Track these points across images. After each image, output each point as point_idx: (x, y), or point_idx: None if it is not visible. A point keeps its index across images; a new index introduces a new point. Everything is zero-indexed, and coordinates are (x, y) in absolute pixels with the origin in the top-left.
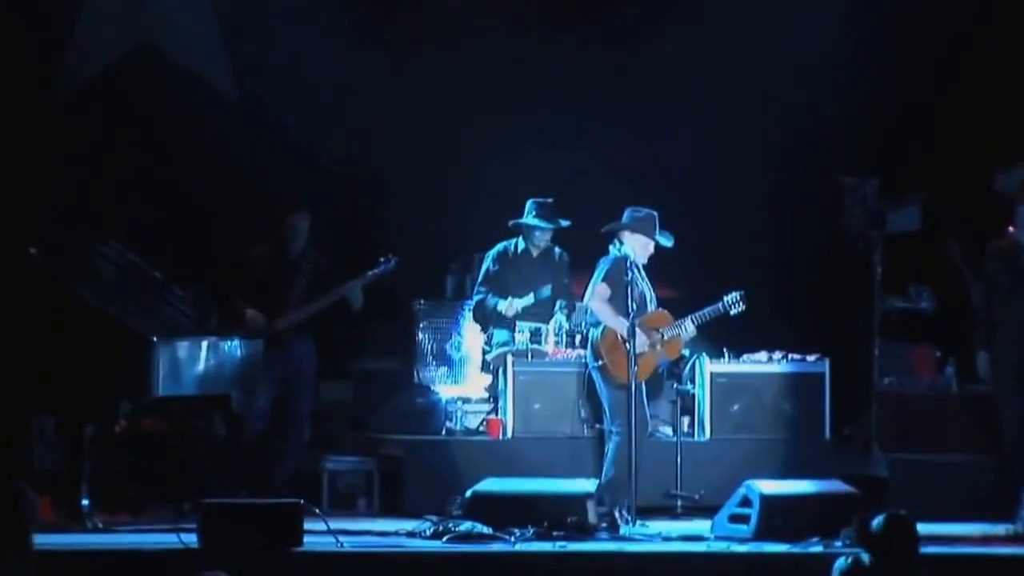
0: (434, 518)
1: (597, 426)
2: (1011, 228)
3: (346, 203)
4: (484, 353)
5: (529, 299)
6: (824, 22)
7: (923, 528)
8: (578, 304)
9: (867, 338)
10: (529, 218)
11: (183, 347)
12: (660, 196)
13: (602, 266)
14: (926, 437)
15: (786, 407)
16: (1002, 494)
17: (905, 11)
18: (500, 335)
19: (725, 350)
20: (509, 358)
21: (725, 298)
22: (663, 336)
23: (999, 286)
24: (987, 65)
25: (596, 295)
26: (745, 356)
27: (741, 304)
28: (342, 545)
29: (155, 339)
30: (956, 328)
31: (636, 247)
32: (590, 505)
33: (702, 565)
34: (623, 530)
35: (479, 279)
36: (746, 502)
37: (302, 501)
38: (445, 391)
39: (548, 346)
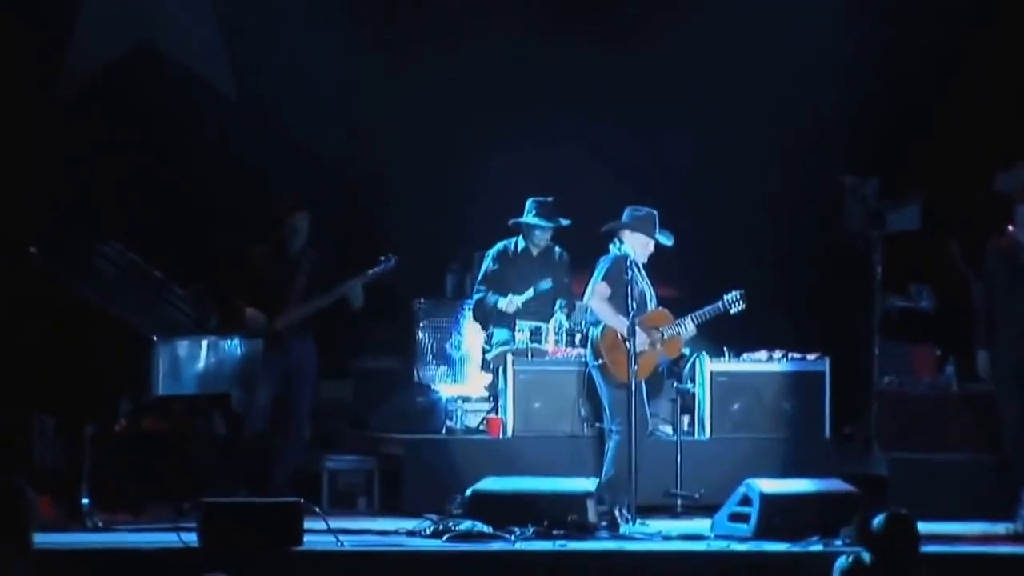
0: (434, 517)
1: (597, 425)
2: (1011, 227)
3: (346, 202)
4: (484, 352)
5: (529, 293)
6: (824, 22)
7: (923, 527)
8: (578, 303)
9: (867, 337)
10: (529, 217)
11: (183, 346)
12: (660, 195)
13: (602, 265)
14: (926, 436)
15: (786, 406)
16: (1002, 493)
17: (905, 11)
18: (500, 334)
19: (725, 349)
20: (509, 357)
21: (725, 297)
22: (663, 335)
23: (999, 285)
24: (987, 65)
25: (596, 294)
26: (745, 355)
27: (741, 303)
28: (342, 544)
29: (155, 338)
30: (956, 327)
31: (636, 246)
32: (590, 504)
33: (702, 564)
34: (623, 529)
35: (479, 278)
36: (746, 501)
37: (302, 500)
38: (445, 390)
39: (548, 345)
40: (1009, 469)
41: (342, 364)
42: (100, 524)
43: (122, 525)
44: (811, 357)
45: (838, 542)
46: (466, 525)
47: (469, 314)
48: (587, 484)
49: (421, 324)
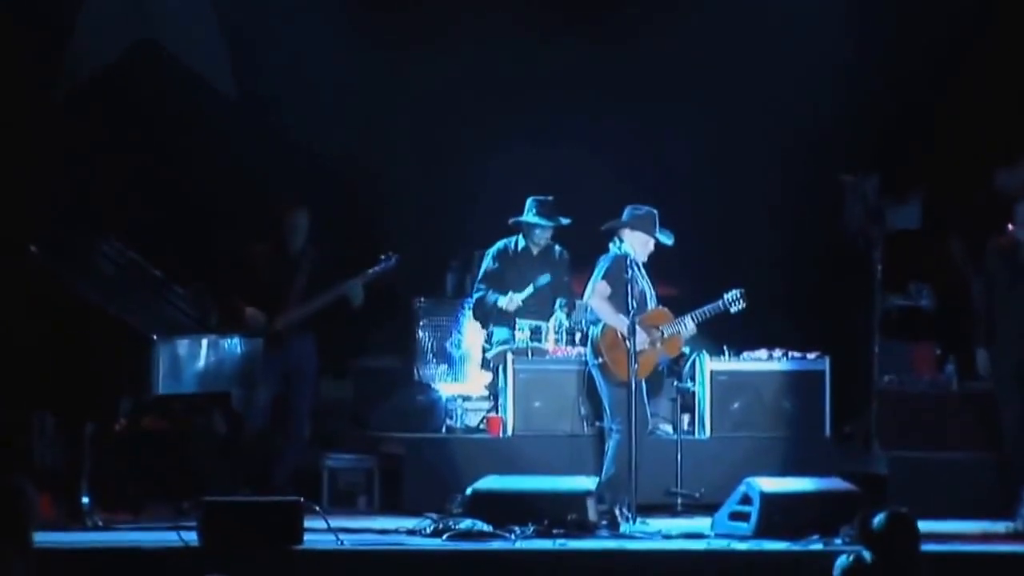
0: (434, 516)
1: (597, 424)
2: (1011, 226)
3: (346, 201)
4: (484, 351)
5: (528, 290)
6: (824, 22)
7: (923, 526)
8: (578, 302)
9: (867, 336)
10: (529, 216)
11: (183, 345)
12: (660, 194)
13: (602, 264)
14: (926, 435)
15: (786, 405)
16: (1002, 492)
17: (905, 11)
18: (500, 333)
19: (725, 348)
20: (509, 356)
21: (725, 296)
22: (663, 334)
23: (999, 284)
24: (987, 63)
25: (596, 293)
26: (745, 354)
27: (741, 302)
28: (342, 543)
29: (155, 337)
30: (956, 326)
31: (636, 245)
32: (590, 503)
33: (702, 563)
34: (623, 528)
35: (479, 276)
36: (746, 500)
37: (302, 499)
38: (445, 389)
39: (548, 344)
40: (1009, 468)
41: (342, 363)
42: (100, 523)
43: (122, 524)
44: (811, 356)
45: (838, 541)
46: (466, 524)
47: (469, 313)
48: (587, 483)
49: (421, 323)
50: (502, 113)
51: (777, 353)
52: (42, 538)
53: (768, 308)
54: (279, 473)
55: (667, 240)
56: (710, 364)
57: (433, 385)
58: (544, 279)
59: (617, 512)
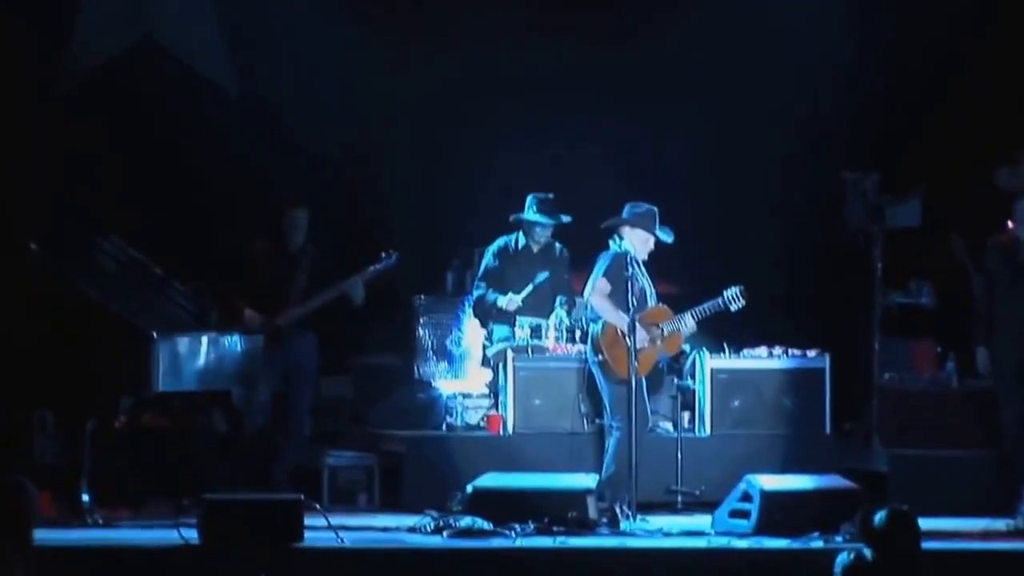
0: (435, 513)
1: (597, 421)
2: (1011, 224)
3: (347, 199)
4: (484, 349)
5: (527, 290)
6: (825, 20)
7: (923, 523)
8: (578, 300)
9: (867, 333)
10: (530, 213)
11: (183, 342)
12: (660, 192)
13: (602, 262)
14: (926, 432)
15: (786, 402)
16: (1002, 489)
17: (905, 11)
18: (500, 331)
19: (725, 345)
20: (509, 354)
21: (725, 293)
22: (663, 331)
23: (999, 282)
24: (987, 61)
25: (596, 291)
26: (745, 351)
27: (741, 299)
28: (343, 541)
29: (155, 335)
30: (956, 323)
31: (636, 242)
32: (591, 501)
33: (703, 560)
34: (624, 525)
35: (479, 274)
36: (746, 497)
37: (303, 497)
38: (445, 386)
39: (548, 342)
40: (1009, 465)
41: (343, 360)
42: (100, 521)
43: (122, 522)
44: (811, 353)
45: (839, 538)
46: (466, 522)
47: (469, 310)
48: (588, 481)
49: (421, 320)
50: (503, 110)
51: (777, 351)
52: (42, 536)
53: (768, 306)
54: (279, 471)
55: (667, 238)
56: (710, 362)
57: (433, 383)
58: (542, 276)
59: (617, 510)
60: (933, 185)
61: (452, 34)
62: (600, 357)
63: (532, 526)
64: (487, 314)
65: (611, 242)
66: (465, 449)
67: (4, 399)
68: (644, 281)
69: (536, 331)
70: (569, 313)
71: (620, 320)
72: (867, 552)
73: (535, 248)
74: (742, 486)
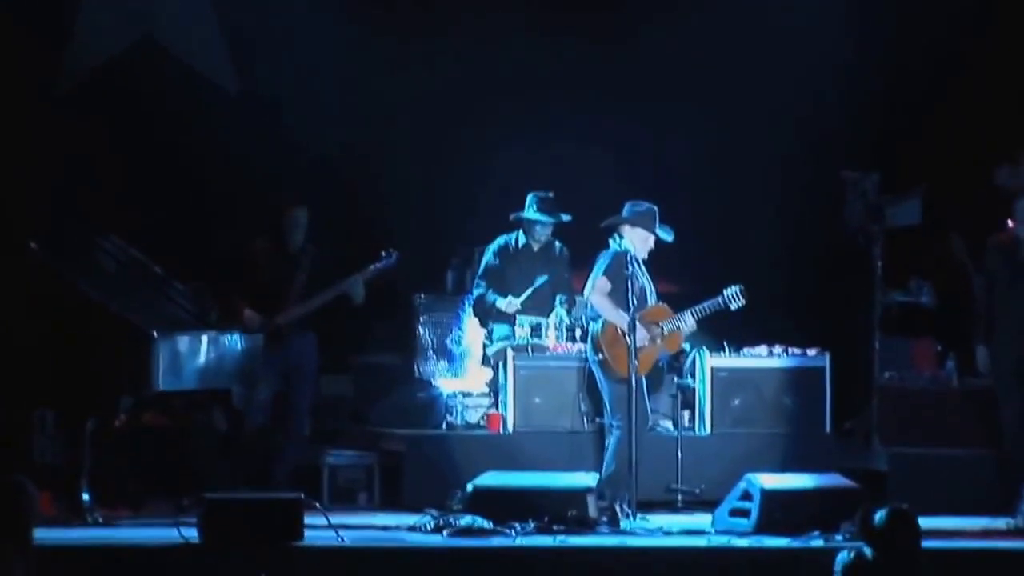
0: (435, 512)
1: (597, 420)
2: (1011, 223)
3: (347, 199)
4: (484, 347)
5: (527, 293)
6: (825, 20)
7: (923, 522)
8: (578, 298)
9: (868, 332)
10: (530, 212)
11: (183, 341)
12: (660, 191)
13: (602, 260)
14: (926, 431)
15: (787, 401)
16: (1002, 488)
17: (905, 11)
18: (500, 329)
19: (726, 344)
20: (509, 352)
21: (725, 292)
22: (663, 330)
23: (999, 281)
24: (987, 61)
25: (596, 289)
26: (745, 350)
27: (741, 298)
28: (343, 540)
29: (155, 334)
30: (957, 322)
31: (636, 241)
32: (591, 499)
33: (703, 559)
34: (624, 524)
35: (479, 273)
36: (747, 496)
37: (303, 495)
38: (445, 385)
39: (548, 340)
40: (1009, 464)
41: (343, 359)
42: (100, 520)
43: (123, 521)
44: (811, 352)
45: (839, 537)
46: (467, 521)
47: (470, 309)
48: (588, 479)
49: (421, 319)
50: (503, 108)
51: (777, 349)
52: (42, 535)
53: (768, 304)
54: (279, 470)
55: (667, 236)
56: (710, 360)
57: (433, 381)
58: (542, 279)
59: (617, 508)
60: (933, 185)
61: (452, 34)
62: (600, 356)
63: (532, 525)
64: (487, 314)
65: (611, 241)
66: (465, 448)
67: (4, 399)
68: (644, 280)
69: (536, 330)
70: (569, 312)
71: (620, 319)
72: (867, 551)
73: (535, 247)
74: (742, 485)
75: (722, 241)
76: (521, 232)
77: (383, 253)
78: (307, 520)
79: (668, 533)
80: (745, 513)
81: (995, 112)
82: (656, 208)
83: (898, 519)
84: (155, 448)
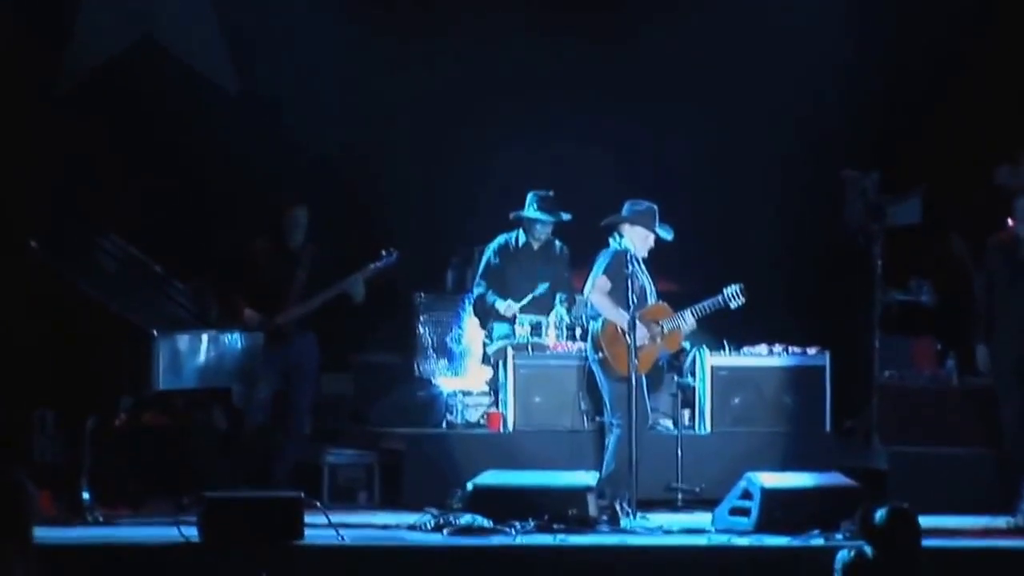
0: (435, 511)
1: (597, 419)
2: (1011, 222)
3: (347, 199)
4: (485, 346)
5: (526, 300)
6: (825, 20)
7: (923, 521)
8: (578, 297)
9: (868, 331)
10: (530, 211)
11: (183, 340)
12: (660, 191)
13: (602, 259)
14: (927, 430)
15: (787, 400)
16: (1002, 487)
17: (905, 11)
18: (500, 328)
19: (726, 343)
20: (510, 351)
21: (725, 291)
22: (663, 329)
23: (999, 281)
24: (987, 61)
25: (596, 288)
26: (746, 349)
27: (741, 297)
28: (343, 538)
29: (155, 333)
30: (957, 321)
31: (636, 240)
32: (591, 498)
33: (703, 558)
34: (624, 523)
35: (479, 272)
36: (747, 495)
37: (303, 494)
38: (445, 384)
39: (549, 339)
40: (1009, 463)
41: (343, 358)
42: (100, 518)
43: (123, 520)
44: (811, 351)
45: (839, 536)
46: (467, 519)
47: (470, 308)
48: (588, 478)
49: (421, 318)
50: (503, 107)
51: (777, 348)
52: (42, 534)
53: (768, 303)
54: (279, 469)
55: (667, 235)
56: (710, 359)
57: (434, 380)
58: (543, 288)
59: (618, 507)
60: (933, 184)
61: (452, 34)
62: (600, 354)
63: (532, 524)
64: (487, 314)
65: (611, 240)
66: (465, 447)
67: (4, 399)
68: (644, 279)
69: (536, 328)
70: (569, 310)
71: (620, 317)
72: (867, 549)
73: (535, 245)
74: (742, 484)
75: (722, 240)
76: (521, 231)
77: (383, 252)
78: (307, 519)
79: (668, 532)
80: (745, 512)
81: (995, 112)
82: (656, 207)
83: (898, 518)
84: (155, 447)
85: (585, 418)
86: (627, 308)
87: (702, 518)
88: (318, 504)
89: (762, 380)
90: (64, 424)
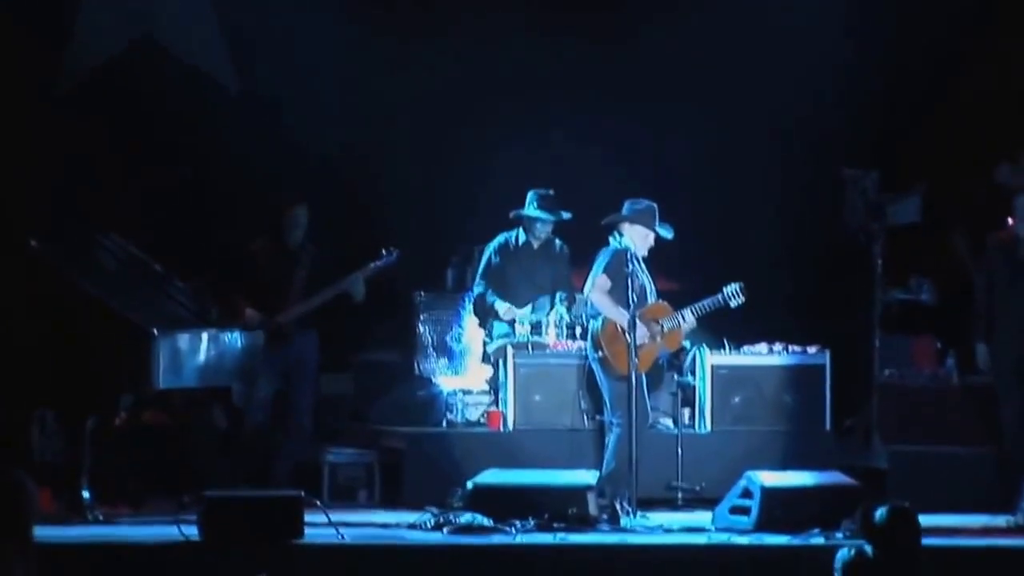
0: (435, 510)
1: (598, 418)
2: (1011, 221)
3: (347, 198)
4: (485, 345)
5: (527, 311)
6: (825, 20)
7: (923, 520)
8: (578, 296)
9: (868, 330)
10: (531, 209)
11: (184, 339)
12: (660, 191)
13: (602, 258)
14: (927, 429)
15: (787, 399)
16: (1002, 486)
17: (905, 10)
18: (500, 327)
19: (726, 342)
20: (510, 350)
21: (725, 289)
22: (663, 328)
23: (999, 280)
24: (987, 61)
25: (596, 287)
26: (746, 348)
27: (741, 296)
28: (343, 537)
29: (156, 332)
30: (957, 320)
31: (636, 239)
32: (591, 497)
33: (703, 557)
34: (624, 522)
35: (480, 271)
36: (747, 494)
37: (303, 493)
38: (446, 383)
39: (549, 338)
40: (1009, 462)
41: (343, 357)
42: (101, 517)
43: (123, 518)
44: (812, 350)
45: (839, 535)
46: (467, 518)
47: (470, 307)
48: (588, 477)
49: (422, 317)
50: (503, 106)
51: (777, 347)
52: (43, 533)
53: (768, 302)
54: (279, 468)
55: (667, 234)
56: (710, 358)
57: (433, 379)
58: (544, 305)
59: (618, 506)
60: (933, 183)
61: (452, 34)
62: (600, 353)
63: (532, 522)
64: (487, 313)
65: (611, 238)
66: (465, 445)
67: (4, 398)
68: (644, 277)
69: (536, 327)
70: (569, 309)
71: (620, 316)
72: (868, 548)
73: (535, 244)
74: (742, 482)
75: (722, 240)
76: (521, 230)
77: (383, 251)
78: (307, 518)
79: (668, 531)
80: (745, 511)
81: (995, 112)
82: (656, 206)
83: (898, 517)
84: (155, 446)
85: (585, 417)
86: (627, 307)
87: (702, 517)
88: (318, 503)
89: (762, 379)
90: (64, 423)
